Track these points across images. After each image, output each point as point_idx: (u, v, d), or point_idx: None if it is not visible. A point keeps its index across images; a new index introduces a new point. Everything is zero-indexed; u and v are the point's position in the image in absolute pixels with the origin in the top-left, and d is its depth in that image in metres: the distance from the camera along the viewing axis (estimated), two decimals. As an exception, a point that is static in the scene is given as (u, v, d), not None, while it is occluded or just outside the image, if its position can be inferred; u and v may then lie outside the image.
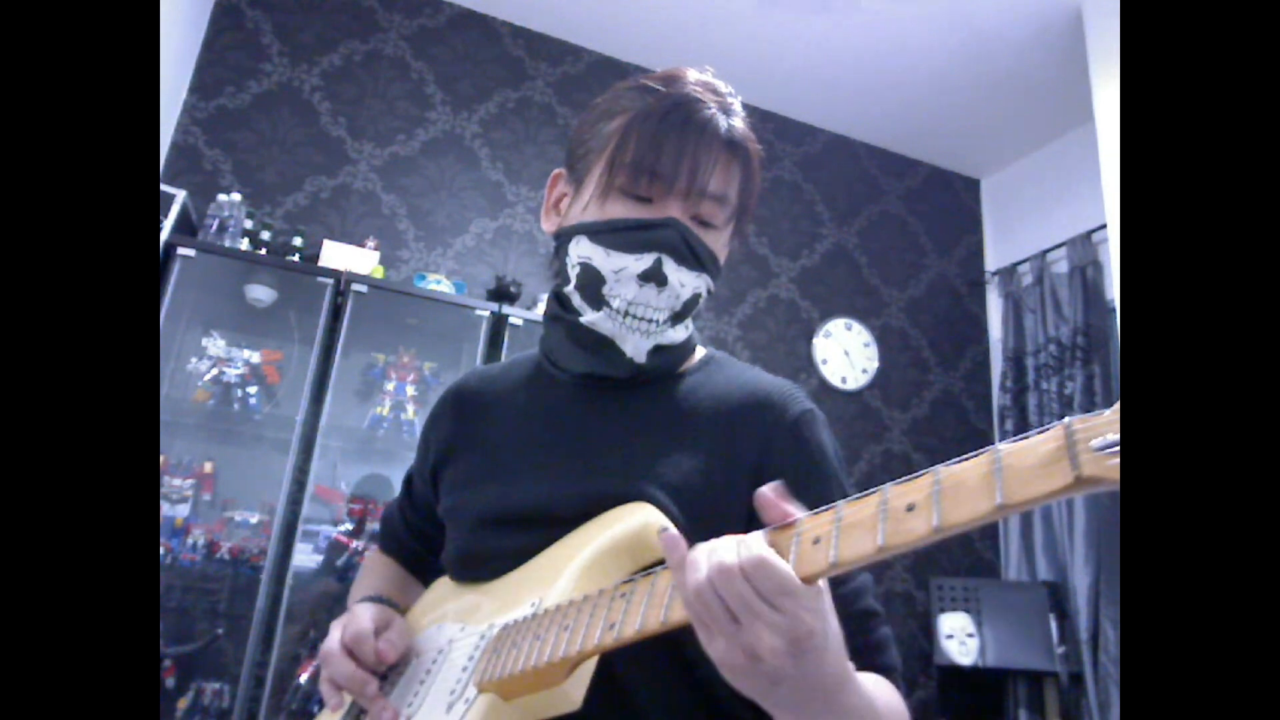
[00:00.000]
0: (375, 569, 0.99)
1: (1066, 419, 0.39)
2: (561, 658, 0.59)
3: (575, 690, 0.61)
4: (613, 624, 0.57)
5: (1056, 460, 0.39)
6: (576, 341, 0.80)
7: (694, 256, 0.76)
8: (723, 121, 0.76)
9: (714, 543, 0.51)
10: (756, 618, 0.48)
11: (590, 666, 0.62)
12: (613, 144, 0.77)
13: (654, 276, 0.75)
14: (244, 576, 2.41)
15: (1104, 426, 0.38)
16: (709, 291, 0.81)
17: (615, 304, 0.76)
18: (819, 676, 0.51)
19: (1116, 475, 0.37)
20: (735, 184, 0.78)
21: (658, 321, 0.77)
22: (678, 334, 0.80)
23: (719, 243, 0.80)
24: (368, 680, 0.74)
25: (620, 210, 0.76)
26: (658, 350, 0.79)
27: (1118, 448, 0.37)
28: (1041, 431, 0.40)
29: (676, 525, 0.67)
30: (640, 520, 0.67)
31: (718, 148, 0.76)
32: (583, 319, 0.78)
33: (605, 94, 0.82)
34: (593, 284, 0.77)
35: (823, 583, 0.51)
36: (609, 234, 0.76)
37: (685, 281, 0.76)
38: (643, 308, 0.76)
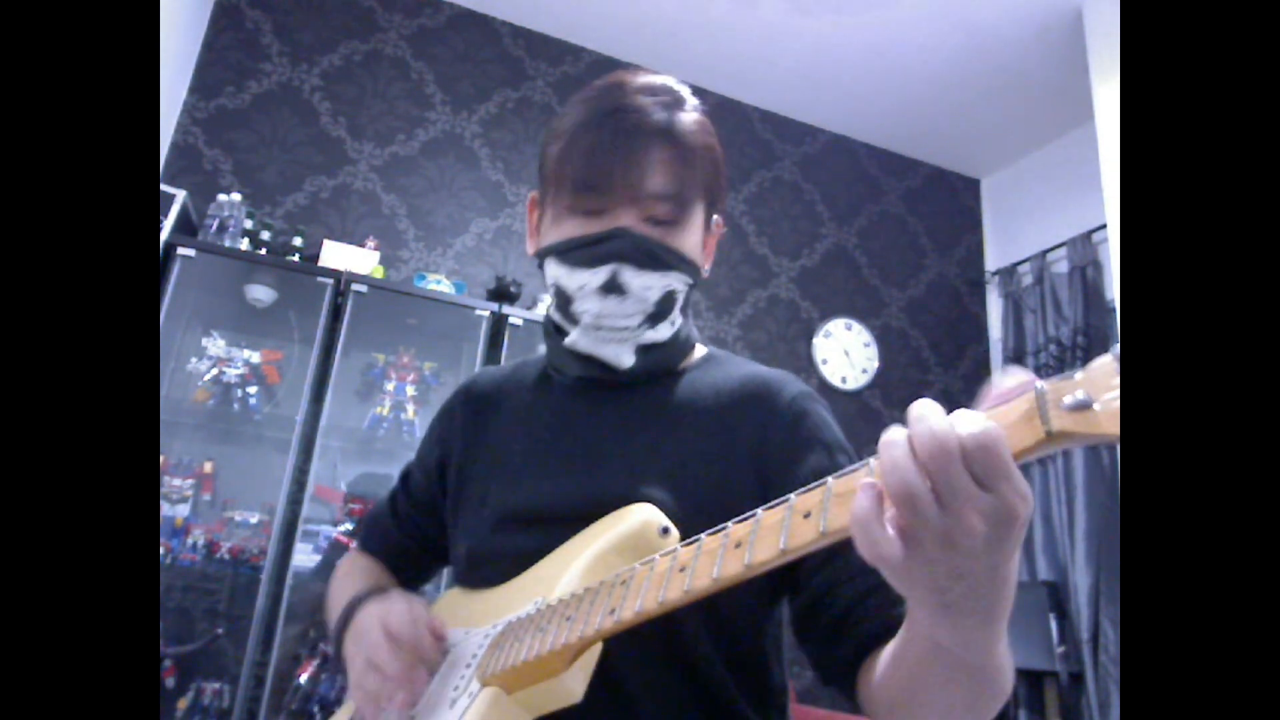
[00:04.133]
0: (358, 571, 0.94)
1: (1037, 382, 0.41)
2: (563, 645, 0.60)
3: (576, 682, 0.62)
4: (613, 609, 0.58)
5: (1028, 420, 0.40)
6: (571, 354, 0.82)
7: (652, 257, 0.76)
8: (658, 117, 0.76)
9: (922, 411, 0.42)
10: (967, 501, 0.40)
11: (592, 659, 0.62)
12: (554, 166, 0.79)
13: (613, 288, 0.76)
14: (244, 576, 2.41)
15: (1073, 386, 0.39)
16: (689, 286, 0.81)
17: (585, 320, 0.78)
18: (1003, 573, 0.44)
19: (1086, 429, 0.39)
20: (683, 176, 0.77)
21: (630, 328, 0.78)
22: (661, 333, 0.81)
23: (686, 236, 0.79)
24: (418, 676, 0.69)
25: (573, 228, 0.78)
26: (646, 350, 0.80)
27: (1087, 404, 0.39)
28: (1018, 395, 0.42)
29: (677, 522, 0.68)
30: (641, 520, 0.68)
31: (655, 146, 0.76)
32: (565, 341, 0.81)
33: (559, 112, 0.84)
34: (564, 303, 0.79)
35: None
36: (566, 253, 0.78)
37: (649, 284, 0.77)
38: (610, 318, 0.77)
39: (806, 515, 0.48)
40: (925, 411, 0.42)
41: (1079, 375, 0.40)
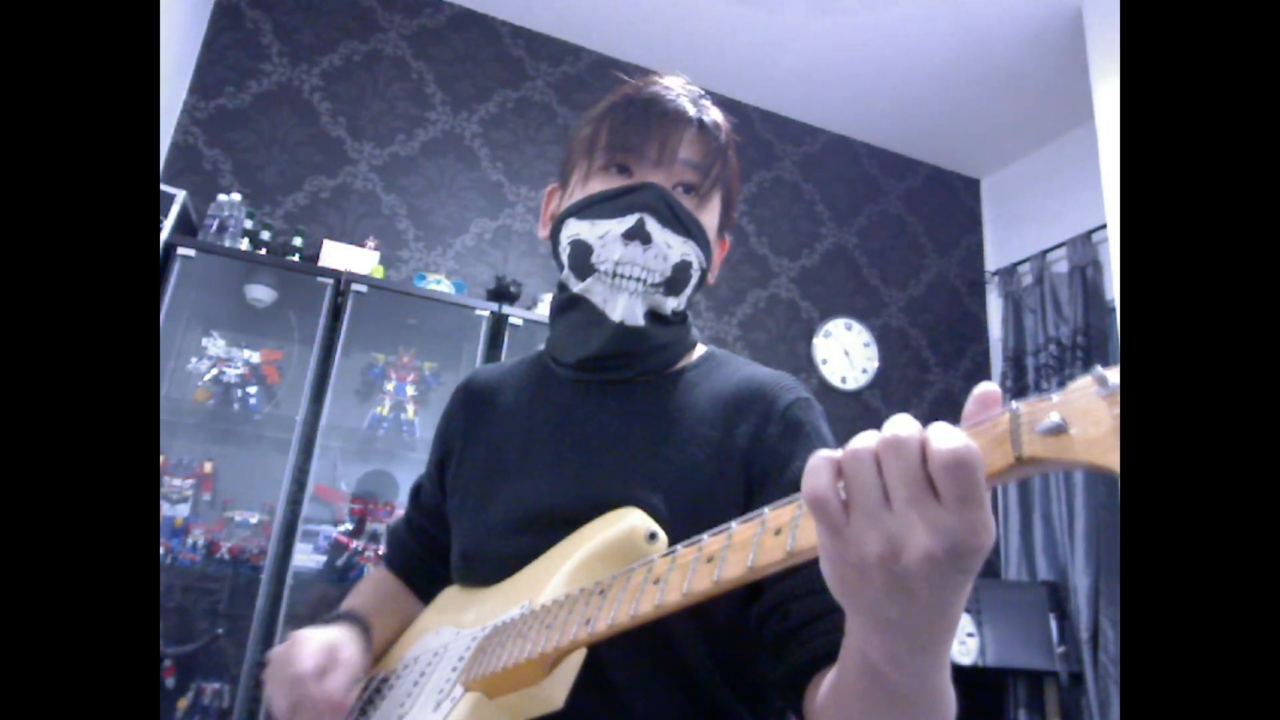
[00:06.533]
0: (368, 584, 0.97)
1: (1014, 403, 0.40)
2: (540, 654, 0.60)
3: (555, 690, 0.62)
4: (588, 619, 0.58)
5: (1000, 443, 0.39)
6: (575, 324, 0.82)
7: (676, 218, 0.78)
8: (690, 108, 0.81)
9: (896, 416, 0.42)
10: (916, 510, 0.39)
11: (573, 666, 0.62)
12: (587, 141, 0.82)
13: (638, 234, 0.77)
14: (244, 576, 2.41)
15: (1049, 409, 0.38)
16: (701, 267, 0.82)
17: (604, 267, 0.78)
18: (950, 604, 0.42)
19: (1056, 455, 0.37)
20: (711, 156, 0.81)
21: (647, 281, 0.78)
22: (669, 305, 0.81)
23: (706, 216, 0.82)
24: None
25: (601, 185, 0.80)
26: (655, 318, 0.80)
27: (1062, 428, 0.37)
28: (994, 417, 0.41)
29: (667, 527, 0.68)
30: (629, 524, 0.68)
31: (688, 126, 0.80)
32: (575, 289, 0.81)
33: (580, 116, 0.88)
34: (582, 256, 0.79)
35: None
36: (591, 206, 0.79)
37: (671, 243, 0.78)
38: (630, 266, 0.78)
39: (777, 532, 0.48)
40: (898, 417, 0.42)
41: (1056, 398, 0.38)
